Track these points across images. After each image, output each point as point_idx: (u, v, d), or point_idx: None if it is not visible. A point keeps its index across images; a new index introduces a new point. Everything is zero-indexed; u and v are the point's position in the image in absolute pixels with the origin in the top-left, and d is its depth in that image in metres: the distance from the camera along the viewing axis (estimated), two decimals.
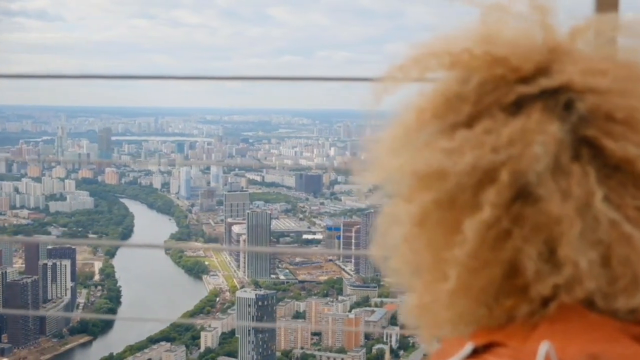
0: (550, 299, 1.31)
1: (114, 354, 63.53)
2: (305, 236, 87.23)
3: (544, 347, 1.20)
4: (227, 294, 75.96)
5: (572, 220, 1.25)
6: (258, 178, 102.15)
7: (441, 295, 1.37)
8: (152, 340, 66.06)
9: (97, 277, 78.50)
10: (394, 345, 68.78)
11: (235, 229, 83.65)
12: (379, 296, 75.46)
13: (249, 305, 67.82)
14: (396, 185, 1.45)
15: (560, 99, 1.29)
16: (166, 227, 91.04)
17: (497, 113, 1.31)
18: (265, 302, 68.57)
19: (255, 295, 68.72)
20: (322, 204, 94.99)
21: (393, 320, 72.28)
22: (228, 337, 68.73)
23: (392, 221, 1.45)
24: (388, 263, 1.48)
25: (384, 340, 69.28)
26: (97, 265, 79.34)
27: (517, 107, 1.30)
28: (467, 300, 1.36)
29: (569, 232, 1.25)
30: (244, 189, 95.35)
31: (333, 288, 75.82)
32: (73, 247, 77.34)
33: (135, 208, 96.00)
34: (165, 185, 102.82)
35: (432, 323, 1.44)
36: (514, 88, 1.32)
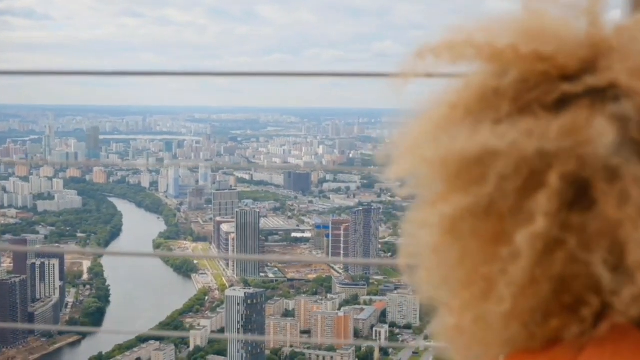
0: (600, 318, 1.18)
1: (103, 353, 63.37)
2: (294, 234, 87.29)
3: None
4: (217, 292, 75.90)
5: (635, 223, 1.13)
6: (247, 176, 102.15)
7: (492, 318, 1.23)
8: (141, 339, 65.91)
9: (85, 276, 78.32)
10: (383, 343, 68.91)
11: (224, 227, 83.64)
12: (368, 294, 75.63)
13: (238, 304, 67.78)
14: (423, 184, 1.33)
15: (607, 98, 1.18)
16: (155, 225, 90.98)
17: (539, 111, 1.18)
18: (255, 301, 68.55)
19: (245, 293, 68.68)
20: (310, 202, 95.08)
21: (382, 318, 72.53)
22: (217, 335, 68.68)
23: (419, 227, 1.32)
24: (414, 275, 1.35)
25: (373, 338, 69.45)
26: (86, 264, 79.16)
27: (561, 105, 1.19)
28: (518, 322, 1.22)
29: (634, 235, 1.14)
30: (233, 188, 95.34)
31: (322, 286, 75.87)
32: (61, 245, 77.26)
33: (124, 207, 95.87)
34: (154, 184, 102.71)
35: (469, 345, 1.32)
36: (557, 86, 1.20)
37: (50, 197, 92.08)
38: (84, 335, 68.88)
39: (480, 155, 1.19)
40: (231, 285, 75.49)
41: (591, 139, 1.13)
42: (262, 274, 78.83)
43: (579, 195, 1.17)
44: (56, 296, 72.25)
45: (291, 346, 68.78)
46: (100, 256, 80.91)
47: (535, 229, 1.16)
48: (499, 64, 1.24)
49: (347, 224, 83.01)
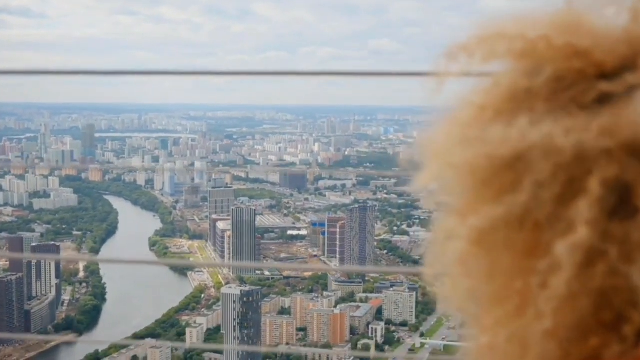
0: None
1: (99, 350, 63.43)
2: (290, 232, 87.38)
3: None
4: (212, 290, 76.01)
5: None
6: (242, 174, 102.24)
7: (528, 335, 1.12)
8: (138, 337, 65.98)
9: (81, 274, 78.35)
10: (379, 340, 69.07)
11: (220, 225, 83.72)
12: (364, 292, 75.75)
13: (234, 302, 67.87)
14: (450, 192, 1.22)
15: None
16: (151, 223, 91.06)
17: (575, 111, 1.09)
18: (251, 298, 68.66)
19: (241, 291, 68.80)
20: (306, 199, 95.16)
21: (378, 316, 72.68)
22: (213, 333, 68.78)
23: (445, 237, 1.21)
24: (439, 287, 1.25)
25: (369, 335, 69.58)
26: (82, 262, 79.19)
27: (599, 105, 1.09)
28: (556, 340, 1.12)
29: None
30: (229, 185, 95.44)
31: (318, 284, 75.98)
32: (57, 243, 77.27)
33: (120, 205, 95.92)
34: (150, 181, 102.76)
35: None
36: (595, 84, 1.10)
37: (46, 195, 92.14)
38: (80, 333, 69.00)
39: (512, 160, 1.10)
40: (227, 283, 75.61)
41: (634, 140, 1.05)
42: (258, 272, 78.91)
43: (621, 202, 1.08)
44: (52, 294, 72.33)
45: (287, 344, 68.96)
46: (97, 254, 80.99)
47: (577, 238, 1.07)
48: (531, 60, 1.15)
49: (343, 222, 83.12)
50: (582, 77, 1.11)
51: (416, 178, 1.24)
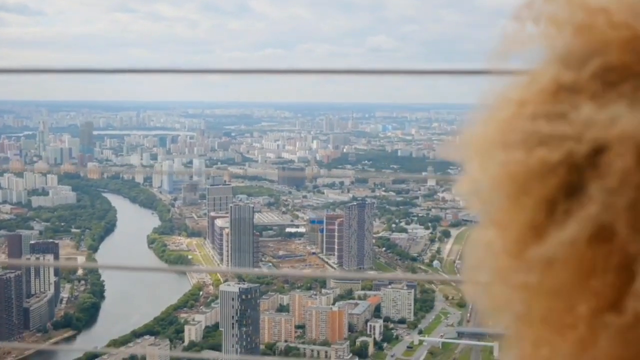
0: None
1: (98, 347, 63.41)
2: (288, 229, 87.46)
3: None
4: (211, 287, 76.02)
5: None
6: (241, 172, 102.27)
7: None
8: (136, 334, 66.08)
9: (80, 272, 78.37)
10: (378, 337, 69.14)
11: (219, 222, 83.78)
12: (362, 289, 75.81)
13: (233, 299, 67.92)
14: (487, 201, 1.07)
15: None
16: (149, 221, 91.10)
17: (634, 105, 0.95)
18: (249, 296, 68.70)
19: (239, 288, 68.79)
20: (304, 197, 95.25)
21: (376, 313, 72.76)
22: (212, 330, 68.85)
23: (483, 250, 1.08)
24: (479, 301, 1.11)
25: (368, 332, 69.64)
26: (80, 259, 79.23)
27: None
28: None
29: None
30: (227, 183, 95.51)
31: (316, 281, 76.03)
32: (56, 241, 77.29)
33: (118, 202, 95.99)
34: (148, 179, 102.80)
35: None
36: None
37: (45, 192, 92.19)
38: (79, 330, 69.05)
39: (564, 164, 0.96)
40: (225, 281, 75.53)
41: None
42: (256, 269, 78.93)
43: None
44: (51, 291, 72.36)
45: (286, 341, 69.02)
46: (95, 251, 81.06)
47: None
48: (587, 39, 1.00)
49: (341, 219, 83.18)
50: (633, 72, 0.97)
51: (457, 183, 1.12)
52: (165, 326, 68.67)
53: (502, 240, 1.04)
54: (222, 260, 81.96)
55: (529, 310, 1.04)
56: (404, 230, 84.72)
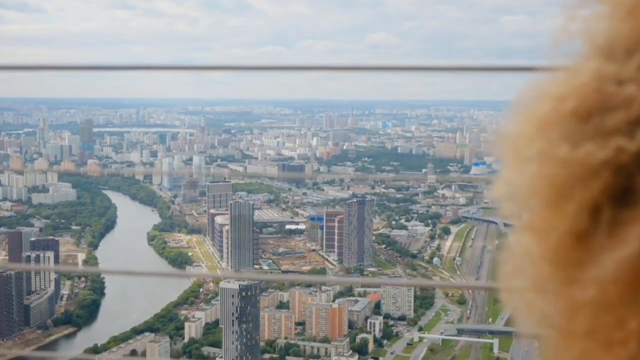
0: None
1: (99, 345, 63.48)
2: (288, 226, 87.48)
3: None
4: (211, 284, 76.03)
5: None
6: (240, 169, 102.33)
7: None
8: (137, 331, 66.13)
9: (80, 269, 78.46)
10: (378, 334, 69.17)
11: (219, 219, 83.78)
12: (362, 286, 75.80)
13: (233, 296, 67.89)
14: (524, 206, 1.00)
15: None
16: (149, 218, 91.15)
17: None
18: (249, 293, 68.65)
19: (239, 285, 68.76)
20: (304, 194, 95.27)
21: (376, 310, 72.78)
22: (212, 327, 68.85)
23: (520, 256, 1.01)
24: (514, 309, 1.05)
25: (368, 329, 69.65)
26: (81, 256, 79.26)
27: None
28: None
29: None
30: (227, 180, 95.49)
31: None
32: (56, 238, 77.34)
33: (118, 199, 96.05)
34: (148, 176, 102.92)
35: None
36: None
37: (45, 189, 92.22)
38: (79, 327, 69.09)
39: (602, 167, 0.90)
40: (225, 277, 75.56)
41: None
42: (256, 266, 78.99)
43: None
44: (51, 288, 72.37)
45: (286, 338, 69.01)
46: (95, 249, 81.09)
47: None
48: (633, 25, 0.92)
49: (341, 216, 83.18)
50: None
51: (494, 186, 1.04)
52: (166, 323, 68.72)
53: (540, 247, 0.97)
54: (222, 257, 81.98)
55: (572, 323, 0.97)
56: (404, 227, 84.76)
